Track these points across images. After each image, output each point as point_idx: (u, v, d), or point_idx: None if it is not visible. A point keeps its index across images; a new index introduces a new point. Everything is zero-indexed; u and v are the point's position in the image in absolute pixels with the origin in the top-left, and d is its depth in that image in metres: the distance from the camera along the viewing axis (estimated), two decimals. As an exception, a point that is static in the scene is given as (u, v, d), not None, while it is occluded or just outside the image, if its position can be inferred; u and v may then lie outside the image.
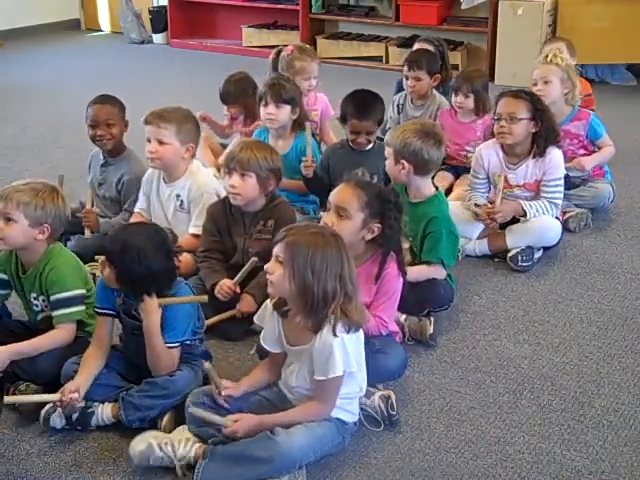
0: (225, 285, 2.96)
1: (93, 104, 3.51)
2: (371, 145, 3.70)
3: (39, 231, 2.62)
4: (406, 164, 3.08)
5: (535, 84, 4.07)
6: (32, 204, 2.59)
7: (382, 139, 3.98)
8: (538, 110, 3.55)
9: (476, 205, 3.64)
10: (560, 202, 3.66)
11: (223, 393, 2.37)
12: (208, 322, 2.85)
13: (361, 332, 2.33)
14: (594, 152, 4.14)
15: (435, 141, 3.08)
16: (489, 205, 3.60)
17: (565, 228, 3.80)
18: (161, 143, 3.23)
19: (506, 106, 3.57)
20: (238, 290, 2.97)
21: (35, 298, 2.70)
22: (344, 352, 2.25)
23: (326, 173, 3.71)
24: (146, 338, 2.47)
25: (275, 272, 2.25)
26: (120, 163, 3.55)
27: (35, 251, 2.65)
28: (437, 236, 3.05)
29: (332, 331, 2.23)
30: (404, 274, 2.68)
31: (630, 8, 6.25)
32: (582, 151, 4.13)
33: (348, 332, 2.25)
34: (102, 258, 2.49)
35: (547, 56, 4.07)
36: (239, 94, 4.22)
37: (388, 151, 3.16)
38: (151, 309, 2.45)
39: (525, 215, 3.59)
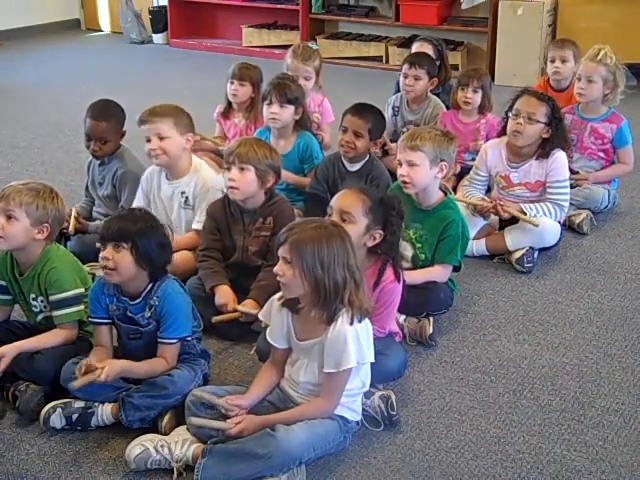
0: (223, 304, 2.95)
1: (90, 117, 3.50)
2: (360, 164, 3.58)
3: (38, 231, 2.62)
4: (445, 165, 3.05)
5: (579, 79, 4.06)
6: (34, 203, 2.61)
7: (383, 148, 4.00)
8: (555, 118, 3.55)
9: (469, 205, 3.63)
10: (566, 204, 3.65)
11: (231, 403, 2.34)
12: (215, 319, 2.87)
13: (369, 324, 2.34)
14: (612, 161, 4.14)
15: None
16: (487, 200, 3.63)
17: (575, 231, 3.85)
18: (161, 138, 3.24)
19: (528, 105, 3.56)
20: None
21: (34, 299, 2.70)
22: (357, 343, 2.26)
23: (319, 185, 3.65)
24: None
25: (286, 274, 2.25)
26: (115, 160, 3.57)
27: (32, 252, 2.66)
28: (455, 239, 3.06)
29: (349, 320, 2.24)
30: (399, 278, 2.64)
31: (630, 8, 6.26)
32: (602, 154, 4.13)
33: (360, 320, 2.27)
34: (106, 250, 2.44)
35: (598, 53, 4.00)
36: (254, 76, 4.19)
37: (419, 156, 3.02)
38: (110, 367, 2.42)
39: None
